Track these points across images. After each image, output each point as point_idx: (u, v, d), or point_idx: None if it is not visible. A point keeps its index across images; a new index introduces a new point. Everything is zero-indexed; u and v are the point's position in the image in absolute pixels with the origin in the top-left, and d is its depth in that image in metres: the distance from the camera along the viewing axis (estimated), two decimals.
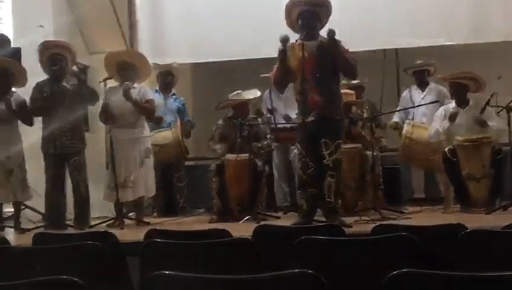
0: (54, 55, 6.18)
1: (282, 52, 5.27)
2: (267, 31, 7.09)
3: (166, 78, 7.34)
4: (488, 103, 6.03)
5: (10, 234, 5.90)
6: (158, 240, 3.33)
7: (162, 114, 6.98)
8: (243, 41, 7.47)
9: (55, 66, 6.13)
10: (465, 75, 6.31)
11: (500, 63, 7.87)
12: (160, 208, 7.14)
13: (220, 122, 6.81)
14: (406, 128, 6.84)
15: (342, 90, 6.53)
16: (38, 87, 6.21)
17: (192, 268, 2.21)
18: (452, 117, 6.24)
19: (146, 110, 6.30)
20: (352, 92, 6.76)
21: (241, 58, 7.68)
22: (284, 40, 5.24)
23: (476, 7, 7.07)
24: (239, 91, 6.78)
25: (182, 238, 3.50)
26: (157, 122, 6.91)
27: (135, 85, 6.33)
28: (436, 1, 7.12)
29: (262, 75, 7.02)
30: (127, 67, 6.26)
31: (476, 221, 5.16)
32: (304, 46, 5.20)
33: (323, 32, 5.38)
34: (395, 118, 7.29)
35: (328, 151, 5.22)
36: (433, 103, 6.80)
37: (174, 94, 7.41)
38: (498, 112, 6.08)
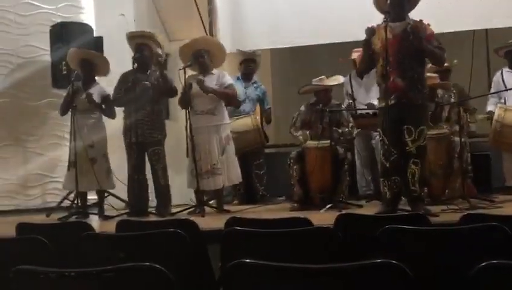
0: (139, 45, 6.34)
1: (367, 44, 5.26)
2: (347, 13, 7.05)
3: (249, 66, 7.40)
4: None
5: (94, 221, 6.13)
6: (238, 228, 3.37)
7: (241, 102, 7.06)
8: (323, 25, 7.42)
9: (140, 55, 6.27)
10: None
11: None
12: (241, 195, 7.23)
13: (302, 108, 6.81)
14: (497, 112, 6.62)
15: (429, 73, 6.41)
16: (123, 77, 6.39)
17: (273, 257, 2.23)
18: None
19: (227, 96, 6.38)
20: (436, 75, 6.59)
21: (321, 43, 7.63)
22: (370, 31, 5.21)
23: None
24: (322, 77, 6.75)
25: (262, 227, 3.52)
26: (236, 106, 6.97)
27: (213, 71, 6.41)
28: None
29: (341, 59, 6.96)
30: (202, 54, 6.34)
31: None
32: (389, 27, 5.12)
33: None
34: (489, 106, 7.04)
35: (411, 138, 5.13)
36: None
37: (255, 82, 7.47)
38: None
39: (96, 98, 6.39)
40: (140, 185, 6.32)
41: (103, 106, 6.47)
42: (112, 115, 6.52)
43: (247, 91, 7.34)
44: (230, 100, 6.49)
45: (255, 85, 7.44)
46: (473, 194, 6.03)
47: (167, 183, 6.40)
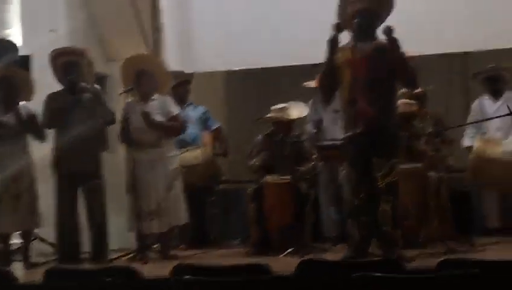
0: (67, 63, 6.29)
1: (333, 42, 5.27)
2: (311, 35, 7.13)
3: (180, 89, 7.40)
4: None
5: (19, 270, 5.99)
6: (187, 277, 3.34)
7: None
8: (284, 46, 7.50)
9: (70, 76, 6.22)
10: None
11: None
12: (189, 238, 7.17)
13: (259, 138, 6.84)
14: (476, 144, 6.76)
15: (401, 100, 6.52)
16: (51, 99, 6.32)
17: None
18: None
19: (173, 130, 6.36)
20: (413, 101, 6.71)
21: (281, 64, 7.70)
22: (338, 27, 5.25)
23: None
24: (284, 105, 6.79)
25: (214, 275, 3.50)
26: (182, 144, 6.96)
27: (155, 97, 6.38)
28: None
29: (305, 84, 7.04)
30: (145, 76, 6.32)
31: None
32: (357, 47, 5.19)
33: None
34: (467, 140, 7.17)
35: (381, 173, 5.18)
36: (509, 114, 6.69)
37: (191, 103, 7.48)
38: None
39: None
40: (71, 226, 6.21)
41: (29, 128, 6.32)
42: (41, 137, 6.39)
43: (186, 114, 7.33)
44: (178, 133, 6.47)
45: (191, 106, 7.46)
46: (451, 236, 6.11)
47: (105, 223, 6.31)
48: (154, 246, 6.54)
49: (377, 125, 5.20)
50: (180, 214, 6.32)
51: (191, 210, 6.87)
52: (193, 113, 7.43)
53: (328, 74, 5.40)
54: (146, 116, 6.14)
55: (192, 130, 7.24)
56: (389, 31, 5.18)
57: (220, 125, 7.57)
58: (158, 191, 6.18)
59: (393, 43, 5.19)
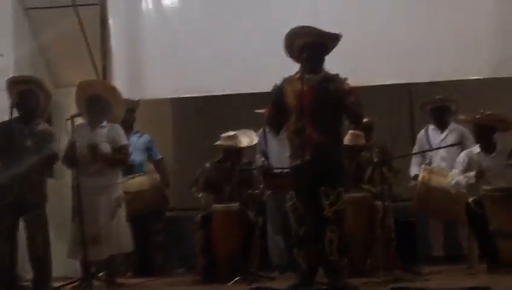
0: (22, 92, 6.14)
1: (277, 92, 5.41)
2: (261, 63, 7.20)
3: (131, 115, 7.37)
4: None
5: None
6: None
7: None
8: (234, 74, 7.54)
9: (27, 105, 6.05)
10: (493, 117, 6.36)
11: None
12: (135, 266, 7.09)
13: (207, 165, 6.83)
14: (421, 174, 6.87)
15: (350, 131, 6.61)
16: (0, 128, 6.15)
17: None
18: (479, 175, 6.26)
19: (119, 163, 6.30)
20: (360, 132, 6.80)
21: (231, 93, 7.73)
22: (276, 91, 5.39)
23: (502, 38, 7.18)
24: (234, 133, 6.81)
25: None
26: (129, 170, 6.91)
27: (104, 124, 6.33)
28: (458, 32, 7.22)
29: (256, 110, 7.08)
30: (98, 101, 6.27)
31: (506, 284, 5.15)
32: (305, 79, 5.26)
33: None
34: (414, 169, 7.29)
35: (327, 201, 5.22)
36: (453, 145, 6.83)
37: (137, 132, 7.45)
38: None
39: None
40: (10, 256, 6.03)
41: None
42: None
43: (132, 142, 7.29)
44: (123, 166, 6.41)
45: (138, 134, 7.43)
46: (397, 265, 6.17)
47: (48, 253, 6.16)
48: (100, 274, 6.45)
49: (323, 153, 5.25)
50: (123, 242, 6.24)
51: (137, 237, 6.82)
52: (138, 141, 7.40)
53: (276, 115, 5.50)
54: (92, 149, 6.08)
55: (137, 157, 7.21)
56: (335, 76, 5.33)
57: (162, 157, 7.54)
58: (101, 218, 6.10)
59: (341, 83, 5.32)
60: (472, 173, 6.31)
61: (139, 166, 7.22)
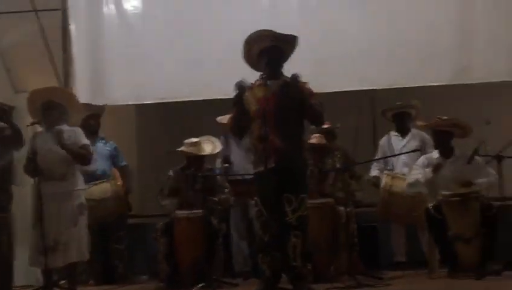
0: None
1: (238, 100, 5.41)
2: (223, 69, 7.22)
3: (90, 122, 7.33)
4: (475, 152, 6.17)
5: None
6: None
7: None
8: (197, 80, 7.55)
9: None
10: (449, 122, 6.47)
11: (489, 106, 8.11)
12: (97, 274, 7.04)
13: (171, 173, 6.82)
14: (384, 180, 6.95)
15: (312, 136, 6.66)
16: None
17: None
18: (436, 168, 6.36)
19: (81, 157, 6.25)
20: (322, 137, 6.86)
21: (194, 99, 7.74)
22: (240, 87, 5.37)
23: (461, 46, 7.30)
24: (197, 139, 6.82)
25: None
26: (91, 174, 6.89)
27: (64, 127, 6.28)
28: (418, 39, 7.32)
29: (218, 118, 7.10)
30: (53, 107, 6.23)
31: (465, 288, 5.23)
32: (266, 85, 5.30)
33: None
34: (374, 171, 7.39)
35: (290, 208, 5.26)
36: (415, 151, 6.93)
37: (102, 138, 7.42)
38: (487, 163, 6.22)
39: None
40: None
41: None
42: None
43: (96, 149, 7.26)
44: (85, 161, 6.35)
45: (102, 141, 7.40)
46: (359, 270, 6.24)
47: (11, 258, 6.11)
48: (62, 282, 6.40)
49: (287, 160, 5.29)
50: (84, 250, 6.19)
51: (99, 245, 6.79)
52: (103, 147, 7.36)
53: (239, 120, 5.52)
54: (59, 134, 6.03)
55: (101, 164, 7.17)
56: (295, 79, 5.32)
57: (127, 164, 7.52)
58: (62, 225, 6.05)
59: (302, 87, 5.33)
60: (428, 169, 6.40)
61: (103, 173, 7.18)
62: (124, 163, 7.47)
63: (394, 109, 7.46)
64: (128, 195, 7.33)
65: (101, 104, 7.52)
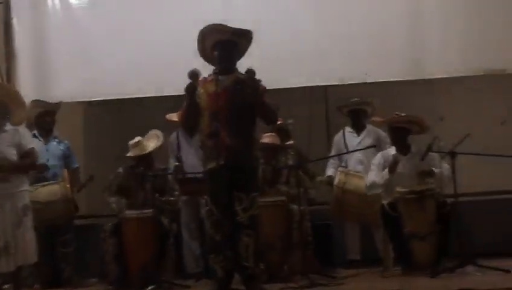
0: None
1: (191, 88, 5.28)
2: (174, 65, 7.13)
3: (45, 119, 7.17)
4: (429, 149, 6.19)
5: None
6: None
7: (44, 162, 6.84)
8: (147, 76, 7.44)
9: None
10: (407, 118, 6.48)
11: (442, 102, 8.18)
12: (43, 278, 6.88)
13: (120, 170, 6.72)
14: (338, 177, 6.94)
15: (265, 134, 6.61)
16: None
17: None
18: (392, 168, 6.37)
19: (25, 169, 6.08)
20: (275, 135, 6.82)
21: (144, 96, 7.63)
22: (193, 74, 5.26)
23: (414, 41, 7.32)
24: (138, 139, 6.73)
25: None
26: (41, 171, 6.72)
27: (7, 128, 6.10)
28: (370, 34, 7.33)
29: (168, 116, 7.00)
30: None
31: (419, 286, 5.27)
32: (218, 80, 5.21)
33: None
34: (329, 169, 7.36)
35: (241, 207, 5.19)
36: (370, 147, 6.93)
37: (56, 137, 7.26)
38: (441, 159, 6.25)
39: None
40: None
41: None
42: None
43: (49, 148, 7.09)
44: (29, 170, 6.20)
45: (56, 140, 7.24)
46: (313, 269, 6.21)
47: None
48: (6, 286, 6.24)
49: (238, 158, 5.22)
50: (29, 253, 6.02)
51: (46, 248, 6.63)
52: (57, 147, 7.19)
53: (190, 113, 5.40)
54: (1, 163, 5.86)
55: (53, 164, 7.02)
56: (251, 73, 5.24)
57: (78, 166, 7.36)
58: (6, 228, 5.89)
59: (255, 84, 5.25)
60: (386, 171, 6.41)
61: (54, 174, 7.02)
62: (76, 165, 7.32)
63: (349, 105, 7.46)
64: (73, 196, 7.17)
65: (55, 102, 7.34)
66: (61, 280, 6.93)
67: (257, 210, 5.26)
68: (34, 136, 7.02)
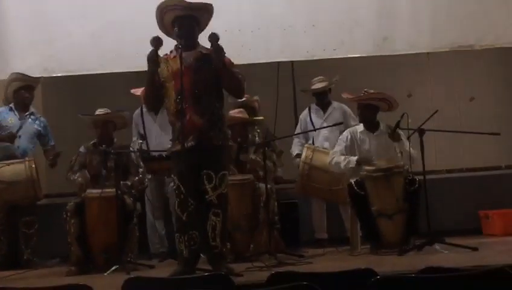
0: None
1: (154, 57, 5.19)
2: (136, 40, 7.06)
3: (27, 93, 7.10)
4: (397, 126, 6.23)
5: None
6: None
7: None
8: (110, 50, 7.35)
9: None
10: (375, 95, 6.51)
11: (410, 79, 8.24)
12: (2, 258, 6.81)
13: (82, 149, 6.66)
14: (305, 153, 6.97)
15: (233, 110, 6.59)
16: None
17: None
18: (360, 162, 6.39)
19: None
20: (243, 110, 6.81)
21: (107, 71, 7.54)
22: (155, 40, 5.17)
23: (382, 16, 7.33)
24: (101, 110, 6.67)
25: None
26: (10, 139, 6.67)
27: None
28: (338, 10, 7.32)
29: (132, 90, 6.95)
30: None
31: (387, 264, 5.30)
32: (181, 57, 5.15)
33: (202, 41, 5.37)
34: (295, 147, 7.38)
35: (211, 185, 5.16)
36: (337, 125, 6.96)
37: (33, 113, 7.17)
38: (409, 136, 6.31)
39: None
40: None
41: None
42: None
43: (23, 124, 7.01)
44: None
45: (32, 117, 7.15)
46: (280, 249, 6.25)
47: None
48: None
49: (206, 138, 5.19)
50: None
51: (6, 228, 6.57)
52: (32, 124, 7.10)
53: (152, 88, 5.31)
54: None
55: (24, 142, 6.94)
56: (214, 37, 5.16)
57: (54, 144, 7.28)
58: None
59: (218, 50, 5.16)
60: (353, 158, 6.44)
61: (24, 152, 6.94)
62: (52, 143, 7.23)
63: (313, 90, 7.47)
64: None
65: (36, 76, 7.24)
66: (20, 261, 6.86)
67: (226, 189, 5.23)
68: (10, 109, 6.97)
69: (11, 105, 7.08)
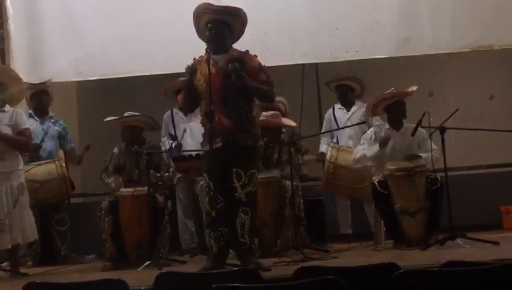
0: None
1: (189, 84, 5.29)
2: (169, 43, 7.11)
3: (41, 98, 7.16)
4: (419, 124, 6.21)
5: None
6: None
7: (38, 141, 6.84)
8: (141, 55, 7.39)
9: None
10: (397, 93, 6.49)
11: (432, 78, 8.20)
12: (36, 256, 6.88)
13: (115, 150, 6.72)
14: (329, 152, 6.97)
15: (266, 113, 6.55)
16: None
17: None
18: (383, 143, 6.39)
19: (20, 145, 6.10)
20: (278, 114, 6.78)
21: (138, 74, 7.60)
22: (191, 69, 5.25)
23: (403, 17, 7.30)
24: (128, 113, 6.73)
25: None
26: (33, 152, 6.73)
27: (6, 108, 6.12)
28: (360, 12, 7.31)
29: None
30: None
31: (410, 259, 5.30)
32: (211, 60, 5.19)
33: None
34: (322, 147, 7.39)
35: (240, 183, 5.20)
36: (360, 124, 6.96)
37: (52, 117, 7.25)
38: (431, 134, 6.29)
39: None
40: None
41: None
42: None
43: (45, 128, 7.09)
44: (24, 149, 6.22)
45: (52, 120, 7.22)
46: (306, 244, 6.27)
47: None
48: (3, 264, 6.27)
49: (234, 139, 5.21)
50: (28, 231, 6.06)
51: (40, 226, 6.64)
52: (53, 127, 7.18)
53: (189, 100, 5.39)
54: None
55: (49, 144, 7.02)
56: (234, 67, 5.17)
57: (74, 146, 7.35)
58: (3, 206, 5.90)
59: (239, 79, 5.17)
60: (377, 144, 6.44)
61: (50, 154, 7.02)
62: (72, 145, 7.31)
63: (335, 81, 7.48)
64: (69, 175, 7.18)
65: (38, 82, 7.30)
66: (55, 257, 6.94)
67: (255, 187, 5.26)
68: (30, 115, 7.03)
69: (30, 111, 7.13)
